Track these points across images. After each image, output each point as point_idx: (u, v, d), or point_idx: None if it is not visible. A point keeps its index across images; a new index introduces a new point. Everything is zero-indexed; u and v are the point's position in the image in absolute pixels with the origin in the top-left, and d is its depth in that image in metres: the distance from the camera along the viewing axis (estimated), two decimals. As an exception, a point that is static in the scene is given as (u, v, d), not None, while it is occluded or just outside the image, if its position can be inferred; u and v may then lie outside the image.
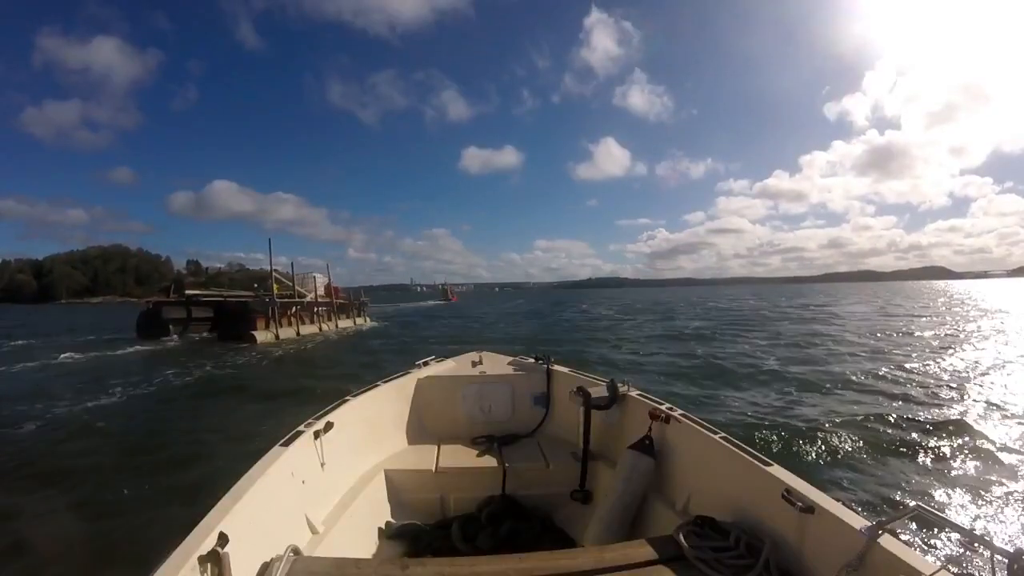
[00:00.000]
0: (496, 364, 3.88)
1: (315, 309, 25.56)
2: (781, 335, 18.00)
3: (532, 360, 3.74)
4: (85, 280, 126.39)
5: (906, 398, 7.63)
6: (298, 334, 22.15)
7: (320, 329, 24.54)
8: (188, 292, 25.72)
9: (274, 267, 24.94)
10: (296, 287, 25.36)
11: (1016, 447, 5.39)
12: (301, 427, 2.36)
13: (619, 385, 2.94)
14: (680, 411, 2.55)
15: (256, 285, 27.18)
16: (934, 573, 1.31)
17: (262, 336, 19.86)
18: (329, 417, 2.54)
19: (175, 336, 21.20)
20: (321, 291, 27.68)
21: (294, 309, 23.43)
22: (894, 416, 6.41)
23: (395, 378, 3.48)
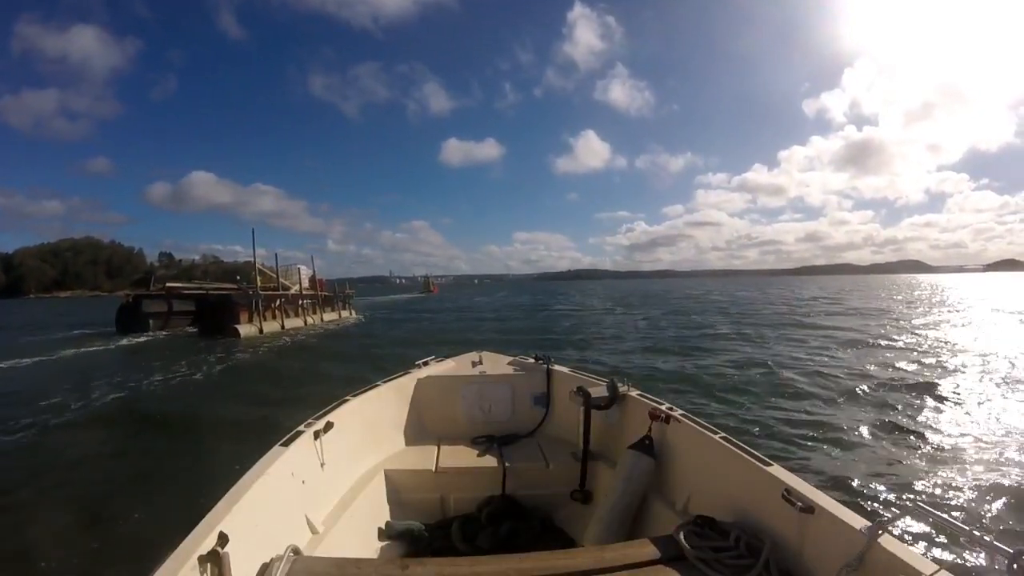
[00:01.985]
0: (496, 364, 3.91)
1: (300, 302, 25.40)
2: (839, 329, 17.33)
3: (532, 360, 3.78)
4: (54, 273, 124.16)
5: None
6: (283, 327, 22.06)
7: (305, 322, 24.44)
8: (169, 284, 25.39)
9: (254, 259, 24.65)
10: (280, 279, 25.17)
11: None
12: (301, 427, 2.38)
13: (619, 385, 2.99)
14: (680, 411, 2.60)
15: (239, 277, 26.93)
16: (934, 573, 1.33)
17: (245, 330, 19.71)
18: (329, 417, 2.56)
19: (156, 332, 20.94)
20: (305, 283, 27.51)
21: (278, 302, 23.27)
22: None
23: (395, 378, 3.50)
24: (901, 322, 19.57)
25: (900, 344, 13.57)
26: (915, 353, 12.02)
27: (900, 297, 41.42)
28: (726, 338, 16.17)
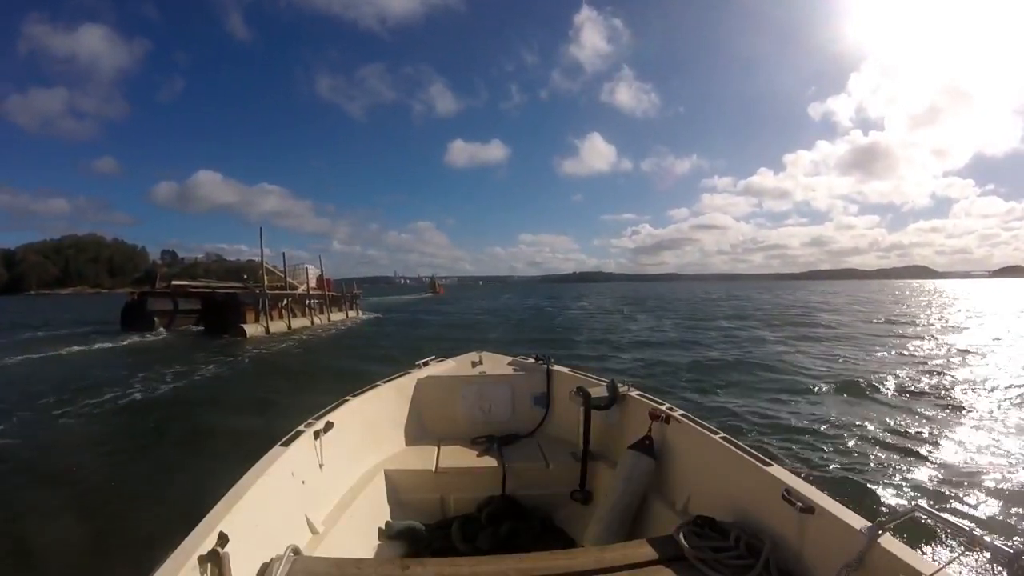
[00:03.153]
0: (496, 364, 3.96)
1: (307, 302, 25.54)
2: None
3: (532, 360, 3.83)
4: (56, 271, 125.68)
5: None
6: (289, 327, 22.09)
7: (312, 323, 24.51)
8: (175, 282, 25.63)
9: (258, 259, 24.81)
10: (287, 279, 25.31)
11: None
12: (301, 427, 2.42)
13: (619, 385, 3.02)
14: (680, 411, 2.62)
15: (245, 276, 27.16)
16: (934, 573, 1.35)
17: (252, 330, 19.75)
18: (329, 417, 2.60)
19: (161, 330, 21.08)
20: (313, 283, 27.62)
21: (285, 301, 23.38)
22: None
23: (395, 378, 3.55)
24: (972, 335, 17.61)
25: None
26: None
27: (934, 303, 39.23)
28: (772, 342, 15.51)
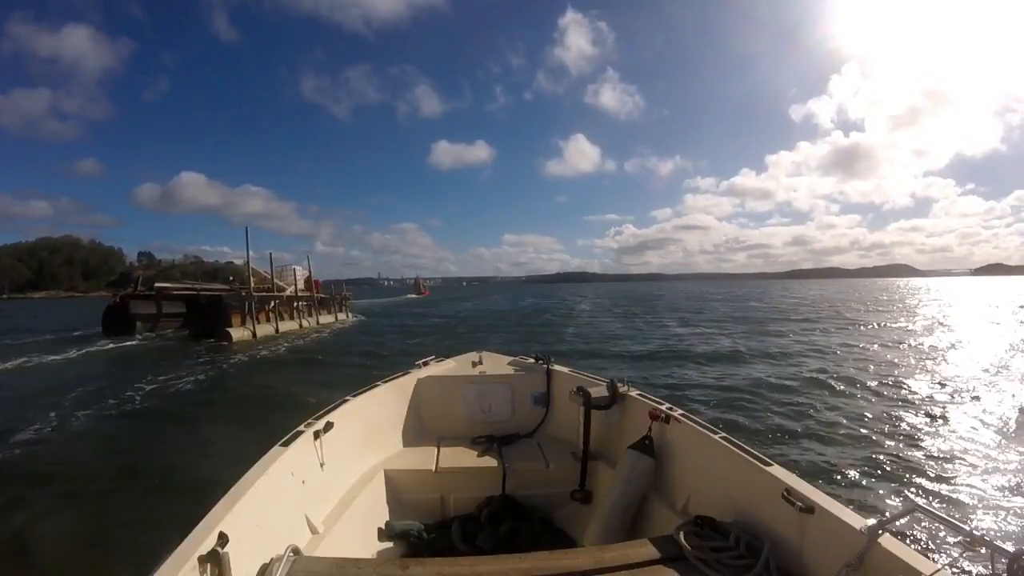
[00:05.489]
0: (496, 364, 4.00)
1: (295, 304, 25.37)
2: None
3: (532, 360, 3.88)
4: (29, 273, 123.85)
5: None
6: (277, 331, 21.91)
7: (300, 326, 24.33)
8: (158, 285, 25.31)
9: (239, 261, 24.52)
10: (275, 280, 25.12)
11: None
12: (301, 427, 2.44)
13: (619, 385, 3.06)
14: (680, 411, 2.67)
15: (232, 278, 26.90)
16: (934, 573, 1.38)
17: (238, 333, 19.57)
18: (329, 417, 2.63)
19: (144, 335, 20.84)
20: (301, 285, 27.43)
21: (272, 304, 23.18)
22: None
23: (395, 378, 3.59)
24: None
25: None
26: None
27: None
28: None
